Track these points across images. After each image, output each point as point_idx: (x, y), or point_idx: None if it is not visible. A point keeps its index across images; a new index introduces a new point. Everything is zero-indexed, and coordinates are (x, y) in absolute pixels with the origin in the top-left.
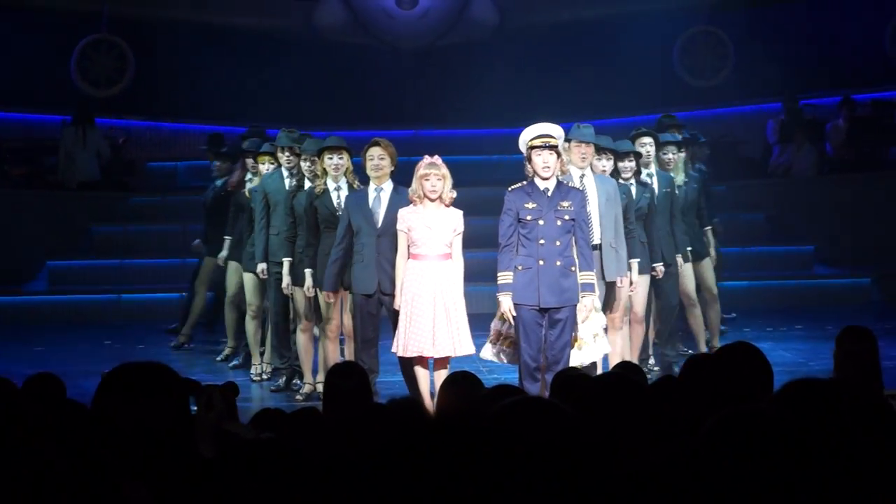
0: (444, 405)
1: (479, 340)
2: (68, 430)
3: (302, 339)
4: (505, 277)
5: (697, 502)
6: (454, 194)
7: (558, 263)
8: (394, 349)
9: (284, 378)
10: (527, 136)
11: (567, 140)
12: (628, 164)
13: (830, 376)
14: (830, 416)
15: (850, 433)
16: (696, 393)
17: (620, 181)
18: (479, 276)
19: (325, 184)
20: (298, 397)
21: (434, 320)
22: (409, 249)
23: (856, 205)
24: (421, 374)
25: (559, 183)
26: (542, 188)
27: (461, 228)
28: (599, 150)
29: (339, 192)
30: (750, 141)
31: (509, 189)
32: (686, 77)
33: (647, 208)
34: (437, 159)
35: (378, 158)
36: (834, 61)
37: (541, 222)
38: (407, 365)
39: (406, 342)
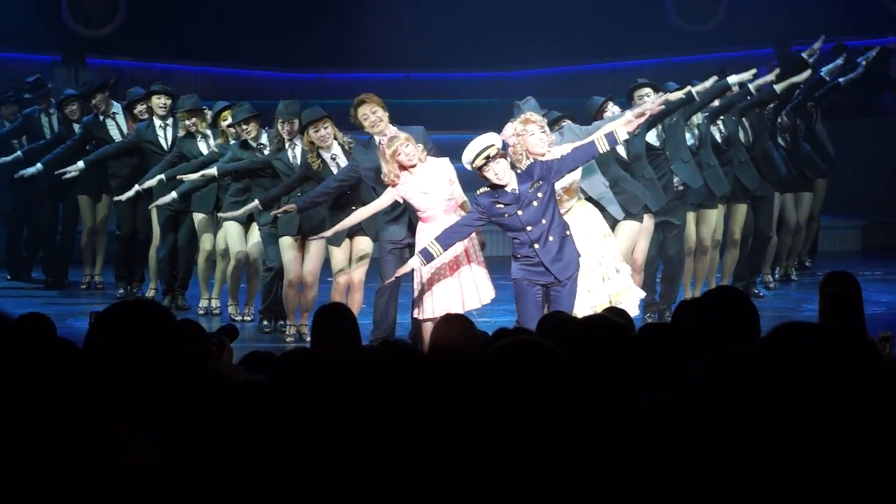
0: (437, 346)
1: (495, 283)
2: (61, 368)
3: (289, 293)
4: (433, 248)
5: (688, 445)
6: (422, 148)
7: (551, 238)
8: (417, 314)
9: (271, 319)
10: (467, 158)
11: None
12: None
13: (816, 321)
14: (818, 360)
15: (837, 376)
16: (683, 337)
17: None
18: None
19: (320, 157)
20: (288, 339)
21: (460, 277)
22: (417, 214)
23: (846, 153)
24: (428, 328)
25: (518, 175)
26: (508, 190)
27: (454, 175)
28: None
29: (336, 161)
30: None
31: (477, 193)
32: (678, 21)
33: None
34: (390, 131)
35: (372, 114)
36: (827, 7)
37: (519, 213)
38: (418, 328)
39: (433, 304)
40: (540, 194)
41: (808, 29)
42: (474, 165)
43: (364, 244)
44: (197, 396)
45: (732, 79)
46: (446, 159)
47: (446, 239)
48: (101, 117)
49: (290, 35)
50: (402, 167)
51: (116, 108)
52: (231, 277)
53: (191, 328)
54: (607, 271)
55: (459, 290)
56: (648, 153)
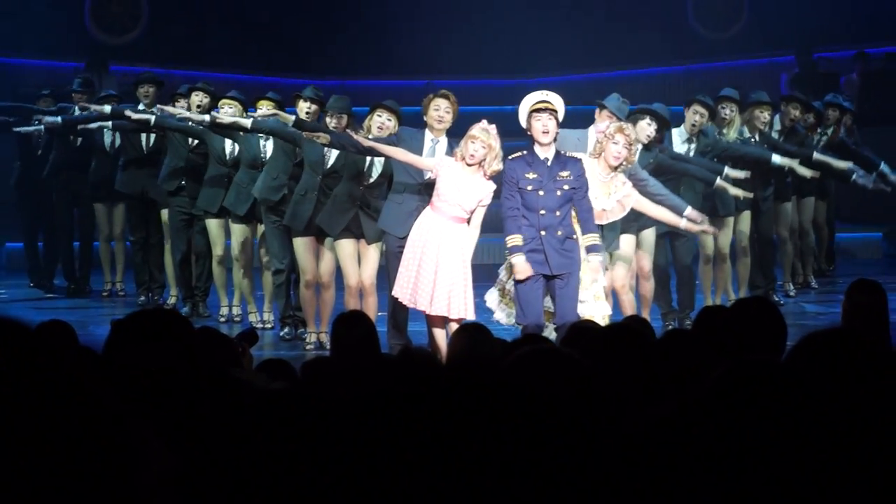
0: (454, 355)
1: (485, 290)
2: (80, 375)
3: (306, 294)
4: (514, 240)
5: (703, 454)
6: (499, 167)
7: (559, 233)
8: (395, 292)
9: (291, 326)
10: (527, 102)
11: (602, 106)
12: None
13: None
14: (847, 368)
15: (863, 385)
16: (707, 345)
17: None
18: (487, 227)
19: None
20: (308, 346)
21: (435, 278)
22: (432, 196)
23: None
24: (438, 333)
25: (558, 153)
26: (541, 157)
27: (487, 202)
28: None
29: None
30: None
31: (509, 158)
32: (699, 29)
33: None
34: (491, 128)
35: (444, 111)
36: (849, 13)
37: (541, 193)
38: (433, 337)
39: (412, 292)
40: (566, 186)
41: (831, 36)
42: (532, 107)
43: (372, 245)
44: (216, 404)
45: (776, 159)
46: (493, 186)
47: (512, 228)
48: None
49: (312, 42)
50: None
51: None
52: (242, 284)
53: (211, 335)
54: (598, 292)
55: (431, 291)
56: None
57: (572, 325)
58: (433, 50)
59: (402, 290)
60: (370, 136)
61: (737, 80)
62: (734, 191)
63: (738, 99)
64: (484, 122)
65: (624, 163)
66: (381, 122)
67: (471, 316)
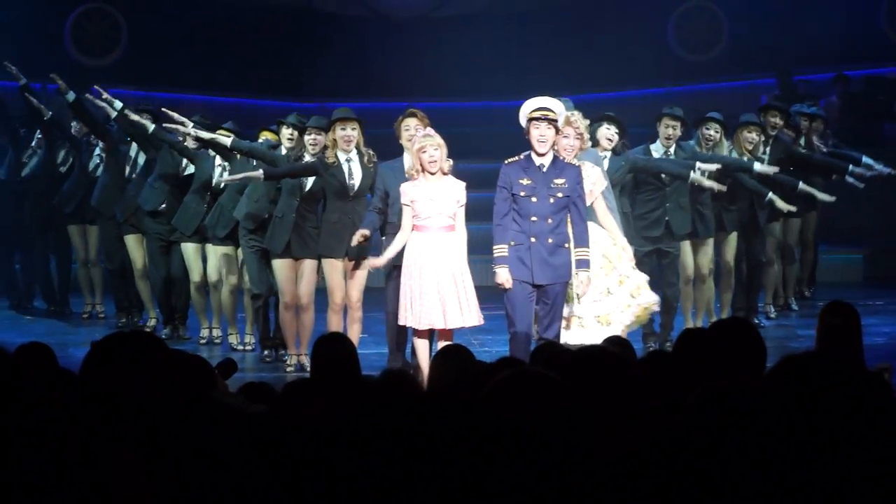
0: (435, 378)
1: (483, 313)
2: (59, 398)
3: (285, 316)
4: (501, 250)
5: (681, 478)
6: (451, 163)
7: (550, 241)
8: (403, 321)
9: (272, 348)
10: (527, 108)
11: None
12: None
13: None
14: (823, 391)
15: (838, 407)
16: (687, 367)
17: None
18: (471, 249)
19: (336, 156)
20: (289, 368)
21: (440, 292)
22: (412, 221)
23: (847, 182)
24: (421, 345)
25: (555, 159)
26: (537, 164)
27: (464, 199)
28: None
29: (349, 164)
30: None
31: (506, 162)
32: (680, 52)
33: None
34: (430, 130)
35: (414, 129)
36: (828, 37)
37: (533, 199)
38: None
39: (418, 314)
40: (560, 194)
41: (811, 58)
42: (530, 115)
43: (359, 263)
44: (193, 427)
45: (758, 167)
46: (463, 183)
47: (499, 237)
48: None
49: (292, 65)
50: (422, 168)
51: None
52: (225, 305)
53: (188, 357)
54: (609, 285)
55: (441, 305)
56: (648, 185)
57: (540, 347)
58: (413, 73)
59: (412, 316)
60: (347, 157)
61: (718, 103)
62: (708, 183)
63: (722, 120)
64: (421, 130)
65: (579, 152)
66: (346, 134)
67: (480, 321)
